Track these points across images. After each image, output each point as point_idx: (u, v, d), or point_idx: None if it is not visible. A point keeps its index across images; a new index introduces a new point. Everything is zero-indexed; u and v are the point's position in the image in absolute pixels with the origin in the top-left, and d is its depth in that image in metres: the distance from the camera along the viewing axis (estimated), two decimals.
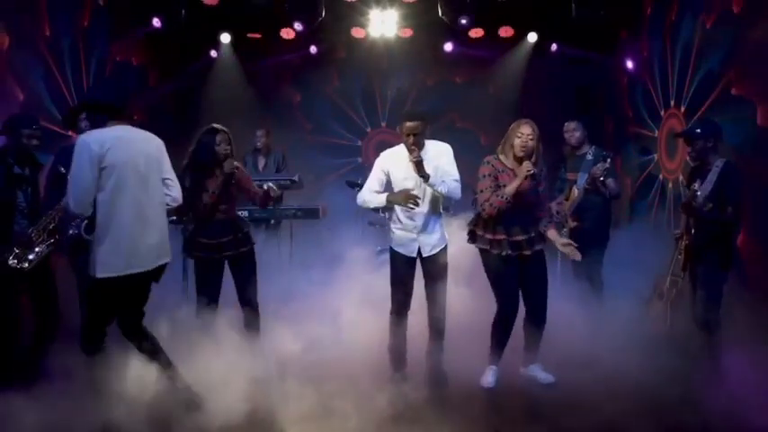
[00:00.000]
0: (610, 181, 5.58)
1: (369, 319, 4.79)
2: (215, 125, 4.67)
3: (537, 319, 4.45)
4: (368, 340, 4.65)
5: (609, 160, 5.54)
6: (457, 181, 4.33)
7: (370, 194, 4.43)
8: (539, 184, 4.42)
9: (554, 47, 8.93)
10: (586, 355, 4.57)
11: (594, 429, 3.75)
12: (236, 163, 4.63)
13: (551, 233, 4.43)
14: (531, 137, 4.28)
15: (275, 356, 4.43)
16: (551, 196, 6.02)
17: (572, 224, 5.62)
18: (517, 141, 4.30)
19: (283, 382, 4.13)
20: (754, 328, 4.38)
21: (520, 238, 4.33)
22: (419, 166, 4.20)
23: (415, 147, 4.21)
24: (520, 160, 4.32)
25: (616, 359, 4.45)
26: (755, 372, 4.01)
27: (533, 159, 4.28)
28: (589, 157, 5.69)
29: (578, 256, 4.40)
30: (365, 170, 8.78)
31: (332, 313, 5.17)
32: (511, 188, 4.26)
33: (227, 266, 4.65)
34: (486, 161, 4.42)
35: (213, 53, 9.10)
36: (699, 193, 4.22)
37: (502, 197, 4.26)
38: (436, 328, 4.41)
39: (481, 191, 4.36)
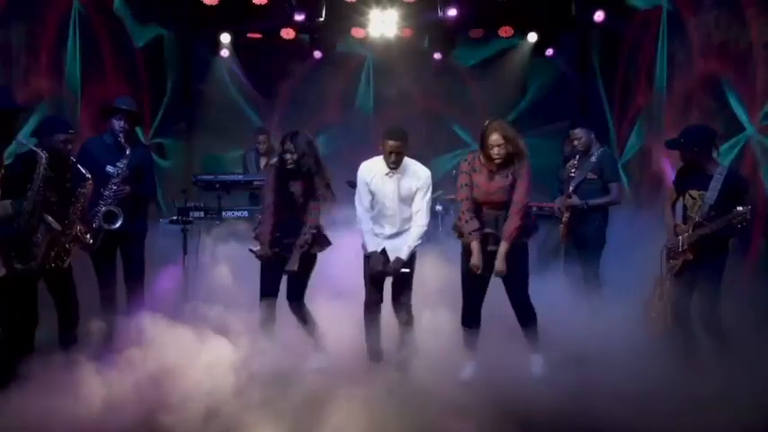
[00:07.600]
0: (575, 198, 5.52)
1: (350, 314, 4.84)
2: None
3: (520, 314, 4.52)
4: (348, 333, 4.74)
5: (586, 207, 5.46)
6: (423, 226, 4.53)
7: (368, 231, 4.62)
8: (517, 182, 4.37)
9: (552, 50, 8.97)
10: (582, 353, 4.54)
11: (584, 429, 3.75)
12: (272, 161, 4.79)
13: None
14: (499, 143, 4.29)
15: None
16: (552, 196, 6.05)
17: (566, 216, 5.55)
18: (493, 151, 4.31)
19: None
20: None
21: (490, 231, 4.42)
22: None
23: (396, 166, 4.42)
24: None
25: (614, 359, 4.43)
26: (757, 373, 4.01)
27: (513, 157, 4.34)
28: (593, 159, 5.54)
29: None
30: None
31: (318, 307, 5.17)
32: (471, 240, 4.36)
33: None
34: (465, 157, 4.53)
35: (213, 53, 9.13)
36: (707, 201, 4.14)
37: (462, 228, 4.45)
38: (404, 322, 4.60)
39: (459, 186, 4.49)
